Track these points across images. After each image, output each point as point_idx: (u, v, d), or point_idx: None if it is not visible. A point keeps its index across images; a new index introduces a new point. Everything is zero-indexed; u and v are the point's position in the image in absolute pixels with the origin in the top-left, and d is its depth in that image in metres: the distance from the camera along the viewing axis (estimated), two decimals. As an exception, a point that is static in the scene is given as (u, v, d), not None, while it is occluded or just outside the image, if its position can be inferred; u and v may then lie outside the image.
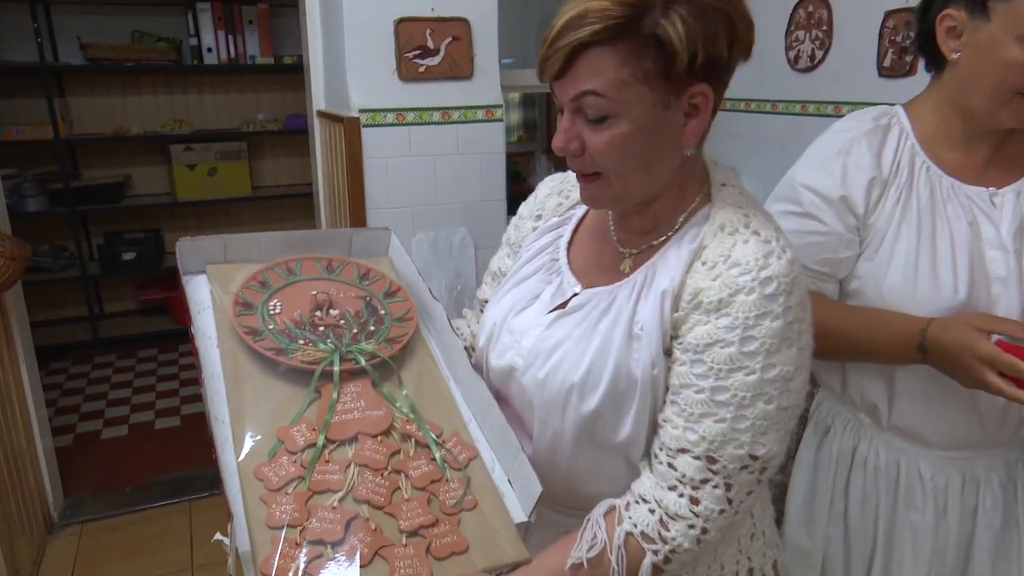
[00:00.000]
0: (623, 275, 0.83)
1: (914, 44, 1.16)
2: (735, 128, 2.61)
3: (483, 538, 0.75)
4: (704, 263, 0.76)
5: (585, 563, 0.73)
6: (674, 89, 0.72)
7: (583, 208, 0.95)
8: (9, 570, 2.11)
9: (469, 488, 0.79)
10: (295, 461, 0.77)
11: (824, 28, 2.21)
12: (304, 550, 0.69)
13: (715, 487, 0.73)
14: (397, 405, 0.86)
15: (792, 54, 2.35)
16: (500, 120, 2.22)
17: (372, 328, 0.92)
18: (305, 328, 0.90)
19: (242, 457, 0.76)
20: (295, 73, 3.72)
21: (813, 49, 2.26)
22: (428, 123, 2.16)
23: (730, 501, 0.74)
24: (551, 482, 0.83)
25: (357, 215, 2.10)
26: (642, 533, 0.74)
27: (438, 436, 0.84)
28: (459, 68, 2.13)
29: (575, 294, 0.86)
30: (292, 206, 4.37)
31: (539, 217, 0.99)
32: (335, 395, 0.83)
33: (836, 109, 2.19)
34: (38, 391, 2.50)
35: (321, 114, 2.42)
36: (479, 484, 0.80)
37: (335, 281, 0.98)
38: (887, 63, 2.02)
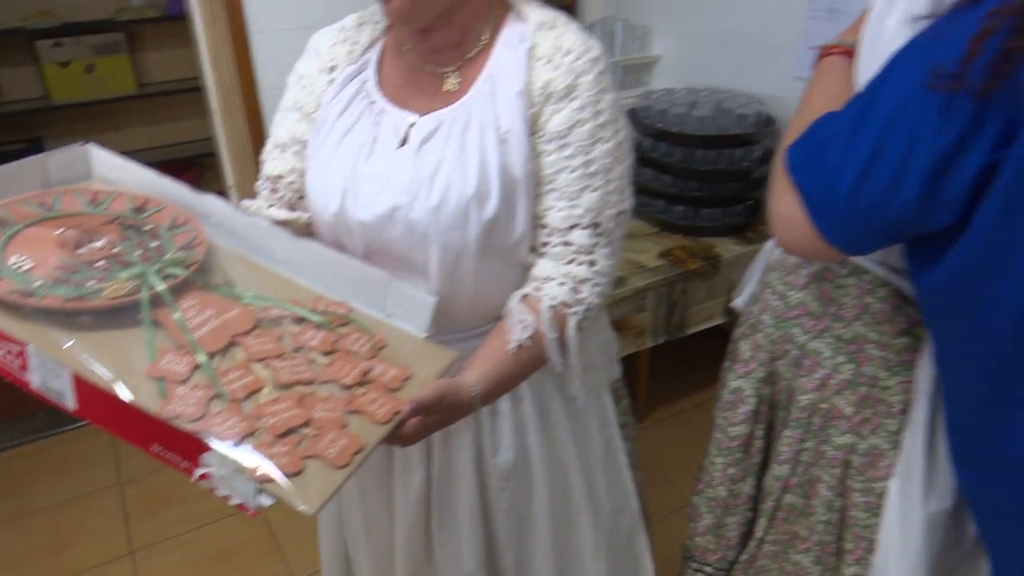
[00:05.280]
0: (456, 93, 0.87)
1: None
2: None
3: (415, 359, 0.78)
4: (541, 59, 0.84)
5: (525, 343, 0.83)
6: None
7: (377, 50, 0.94)
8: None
9: (368, 332, 0.80)
10: (194, 386, 0.67)
11: None
12: (287, 440, 0.64)
13: (603, 247, 0.87)
14: (246, 300, 0.79)
15: None
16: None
17: (154, 245, 0.80)
18: (81, 270, 0.74)
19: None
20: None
21: None
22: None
23: (613, 254, 0.89)
24: (457, 306, 0.88)
25: (251, 102, 1.99)
26: (562, 303, 0.85)
27: (303, 308, 0.81)
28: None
29: (411, 124, 0.87)
30: (187, 102, 3.71)
31: (332, 69, 0.93)
32: (177, 314, 0.73)
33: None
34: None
35: (193, -10, 2.12)
36: (373, 325, 0.81)
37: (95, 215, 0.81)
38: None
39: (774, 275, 1.06)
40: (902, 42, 0.71)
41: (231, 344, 0.73)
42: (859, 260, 0.93)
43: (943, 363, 0.82)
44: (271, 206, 0.97)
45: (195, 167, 3.94)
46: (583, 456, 1.07)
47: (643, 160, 2.34)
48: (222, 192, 2.61)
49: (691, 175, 2.18)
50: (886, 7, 0.82)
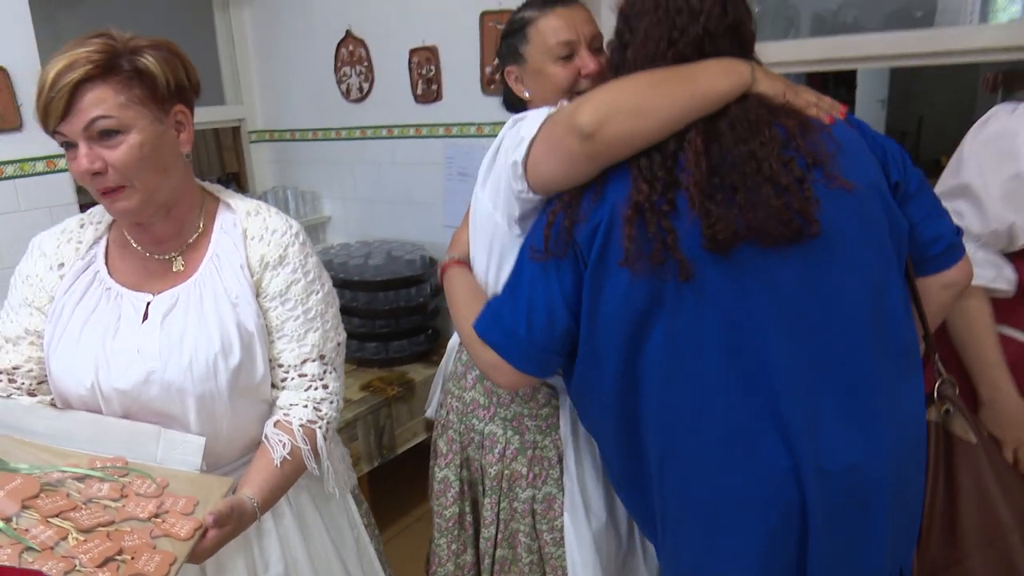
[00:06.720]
0: (184, 273, 1.07)
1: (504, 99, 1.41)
2: (307, 156, 2.93)
3: (198, 489, 0.93)
4: (253, 238, 1.09)
5: (287, 457, 1.04)
6: (162, 108, 0.99)
7: (102, 246, 1.10)
8: None
9: (149, 476, 0.93)
10: (0, 546, 0.76)
11: (365, 64, 2.63)
12: (108, 567, 0.76)
13: (331, 372, 1.13)
14: (24, 470, 0.87)
15: (344, 87, 2.72)
16: (65, 170, 2.08)
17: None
18: None
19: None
20: None
21: (360, 82, 2.67)
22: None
23: (339, 376, 1.15)
24: (218, 445, 1.04)
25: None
26: (308, 420, 1.08)
27: (81, 468, 0.91)
28: (5, 119, 1.99)
29: (148, 303, 1.04)
30: None
31: (61, 266, 1.07)
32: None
33: (389, 132, 2.67)
34: None
35: None
36: (151, 470, 0.95)
37: None
38: (419, 91, 2.51)
39: (451, 383, 1.41)
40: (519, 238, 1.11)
41: (24, 507, 0.82)
42: None
43: (587, 425, 1.19)
44: (9, 396, 1.05)
45: None
46: (341, 553, 1.26)
47: (333, 307, 2.62)
48: None
49: (377, 315, 2.52)
50: (487, 205, 1.18)
